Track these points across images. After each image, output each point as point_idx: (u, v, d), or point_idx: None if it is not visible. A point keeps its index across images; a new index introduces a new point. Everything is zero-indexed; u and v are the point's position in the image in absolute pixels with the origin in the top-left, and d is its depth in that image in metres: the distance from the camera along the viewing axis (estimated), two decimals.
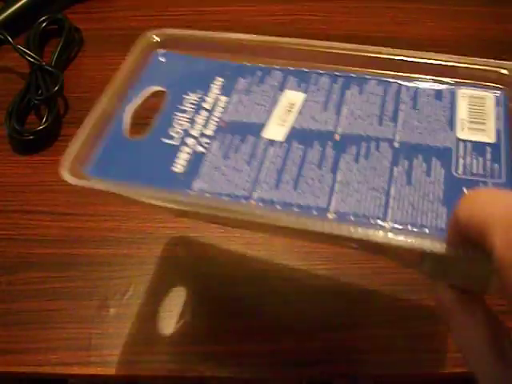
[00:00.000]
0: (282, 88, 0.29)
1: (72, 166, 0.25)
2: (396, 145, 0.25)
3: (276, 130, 0.27)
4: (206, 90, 0.29)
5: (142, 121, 0.28)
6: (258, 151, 0.26)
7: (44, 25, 0.50)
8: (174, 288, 0.36)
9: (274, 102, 0.28)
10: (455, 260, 0.21)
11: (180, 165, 0.26)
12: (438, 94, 0.27)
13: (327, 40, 0.29)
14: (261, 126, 0.27)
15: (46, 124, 0.43)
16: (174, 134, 0.27)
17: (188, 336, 0.34)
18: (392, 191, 0.24)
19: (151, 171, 0.26)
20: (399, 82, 0.28)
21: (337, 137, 0.26)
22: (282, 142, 0.26)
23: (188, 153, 0.26)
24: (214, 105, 0.28)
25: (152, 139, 0.27)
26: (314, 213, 0.23)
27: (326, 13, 0.53)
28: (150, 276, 0.36)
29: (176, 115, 0.28)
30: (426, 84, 0.28)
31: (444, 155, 0.25)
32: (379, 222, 0.23)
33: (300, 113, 0.27)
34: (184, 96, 0.29)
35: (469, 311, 0.21)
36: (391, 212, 0.23)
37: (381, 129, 0.26)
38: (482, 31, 0.51)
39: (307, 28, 0.52)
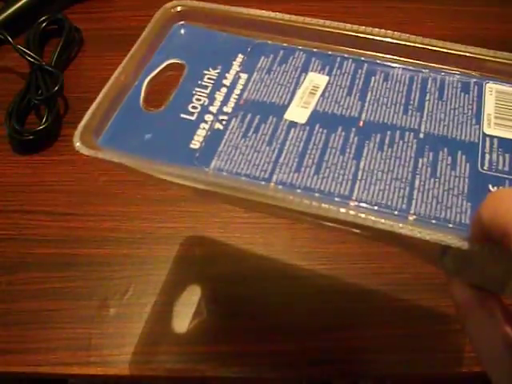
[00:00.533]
0: (305, 69, 0.28)
1: (85, 137, 0.24)
2: (421, 136, 0.25)
3: (298, 111, 0.26)
4: (226, 66, 0.28)
5: (158, 94, 0.27)
6: (279, 132, 0.25)
7: (44, 25, 0.50)
8: (174, 288, 0.36)
9: (296, 83, 0.27)
10: (476, 257, 0.20)
11: (197, 141, 0.25)
12: (465, 87, 0.27)
13: None
14: (282, 107, 0.26)
15: (45, 124, 0.43)
16: (191, 109, 0.26)
17: (188, 336, 0.34)
18: (416, 183, 0.23)
19: (167, 146, 0.25)
20: (426, 71, 0.27)
21: (361, 123, 0.26)
22: (304, 125, 0.26)
23: (206, 129, 0.26)
24: (234, 82, 0.28)
25: (169, 113, 0.26)
26: (336, 199, 0.23)
27: (326, 13, 0.53)
28: (150, 276, 0.36)
29: (195, 90, 0.27)
30: (453, 76, 0.27)
31: (470, 150, 0.24)
32: (402, 213, 0.22)
33: (323, 96, 0.27)
34: (203, 71, 0.28)
35: (487, 309, 0.21)
36: (415, 204, 0.22)
37: (406, 118, 0.26)
38: (482, 31, 0.51)
39: None
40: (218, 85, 0.27)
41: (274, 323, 0.34)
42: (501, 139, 0.25)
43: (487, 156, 0.24)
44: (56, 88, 0.44)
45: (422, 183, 0.23)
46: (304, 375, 0.33)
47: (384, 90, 0.27)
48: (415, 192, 0.23)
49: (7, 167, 0.42)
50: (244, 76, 0.28)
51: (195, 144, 0.25)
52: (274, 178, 0.24)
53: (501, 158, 0.24)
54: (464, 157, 0.24)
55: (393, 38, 0.28)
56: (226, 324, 0.34)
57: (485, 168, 0.24)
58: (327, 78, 0.27)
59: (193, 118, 0.26)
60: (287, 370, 0.33)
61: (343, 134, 0.25)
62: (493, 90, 0.27)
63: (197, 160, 0.25)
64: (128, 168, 0.24)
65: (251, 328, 0.34)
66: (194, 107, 0.26)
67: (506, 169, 0.23)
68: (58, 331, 0.34)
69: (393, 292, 0.35)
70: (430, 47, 0.27)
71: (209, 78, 0.28)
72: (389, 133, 0.25)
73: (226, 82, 0.27)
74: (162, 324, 0.34)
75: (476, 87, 0.27)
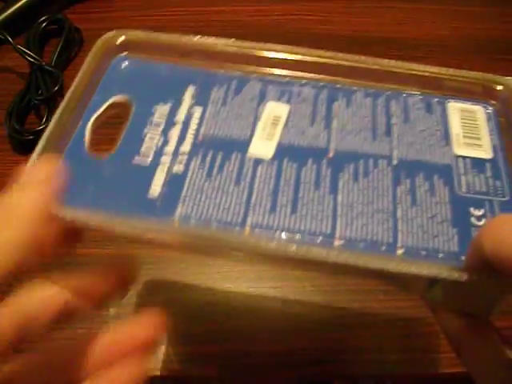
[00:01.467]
0: (262, 99, 0.26)
1: None
2: (395, 162, 0.24)
3: (262, 145, 0.24)
4: (177, 99, 0.26)
5: (105, 136, 0.24)
6: (246, 170, 0.23)
7: (44, 25, 0.50)
8: (174, 288, 0.36)
9: (255, 114, 0.26)
10: (469, 285, 0.20)
11: (156, 188, 0.23)
12: (428, 107, 0.26)
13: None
14: (245, 141, 0.24)
15: (45, 124, 0.43)
16: (145, 152, 0.24)
17: (188, 336, 0.34)
18: (399, 213, 0.22)
19: (122, 198, 0.22)
20: (387, 93, 0.26)
21: (331, 154, 0.24)
22: (271, 160, 0.24)
23: (164, 173, 0.23)
24: (189, 117, 0.25)
25: (120, 158, 0.24)
26: (320, 239, 0.21)
27: (326, 13, 0.53)
28: (150, 276, 0.36)
29: (145, 130, 0.24)
30: (415, 97, 0.26)
31: (445, 173, 0.24)
32: (390, 247, 0.21)
33: (287, 126, 0.25)
34: (153, 107, 0.25)
35: (483, 336, 0.20)
36: (401, 236, 0.21)
37: (376, 144, 0.24)
38: (482, 31, 0.51)
39: (306, 28, 0.52)
40: (170, 121, 0.25)
41: (273, 324, 0.34)
42: (473, 159, 0.24)
43: (463, 178, 0.23)
44: (56, 88, 0.44)
45: (405, 213, 0.22)
46: (304, 375, 0.34)
47: (349, 115, 0.26)
48: (399, 223, 0.22)
49: (7, 167, 0.42)
50: (198, 109, 0.25)
51: (154, 191, 0.22)
52: (249, 220, 0.22)
53: (476, 179, 0.23)
54: (441, 181, 0.23)
55: (351, 61, 0.27)
56: (227, 324, 0.34)
57: (463, 190, 0.23)
58: (288, 106, 0.26)
59: (147, 161, 0.23)
60: (287, 370, 0.33)
61: (314, 167, 0.24)
62: (456, 109, 0.26)
63: (159, 210, 0.22)
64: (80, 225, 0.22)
65: (252, 328, 0.34)
66: (147, 149, 0.24)
67: (484, 189, 0.23)
68: (58, 331, 0.34)
69: (393, 292, 0.35)
70: (388, 69, 0.27)
71: (160, 115, 0.25)
72: (361, 162, 0.24)
73: (180, 118, 0.25)
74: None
75: (439, 107, 0.26)
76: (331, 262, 0.20)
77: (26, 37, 0.49)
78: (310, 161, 0.24)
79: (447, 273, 0.19)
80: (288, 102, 0.26)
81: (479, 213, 0.22)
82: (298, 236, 0.21)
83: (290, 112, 0.26)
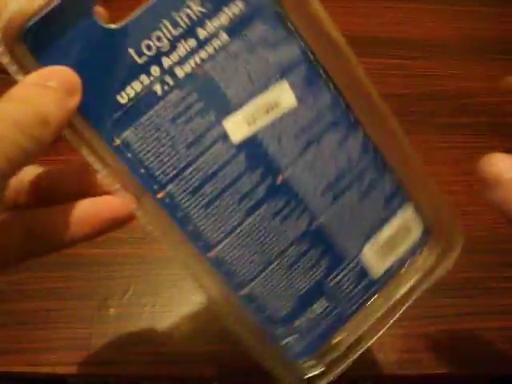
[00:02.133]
0: (286, 72, 0.22)
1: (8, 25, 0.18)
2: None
3: (239, 124, 0.22)
4: (215, 10, 0.21)
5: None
6: (206, 139, 0.21)
7: None
8: (174, 288, 0.36)
9: (266, 85, 0.22)
10: None
11: (126, 96, 0.20)
12: None
13: None
14: (230, 106, 0.22)
15: None
16: (144, 49, 0.20)
17: (188, 336, 0.34)
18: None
19: (95, 80, 0.20)
20: None
21: (279, 179, 0.23)
22: (233, 146, 0.22)
23: (143, 85, 0.20)
24: (208, 38, 0.21)
25: (122, 37, 0.20)
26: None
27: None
28: (149, 276, 0.36)
29: (166, 19, 0.20)
30: None
31: None
32: None
33: (275, 124, 0.22)
34: (187, 1, 0.21)
35: None
36: None
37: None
38: (482, 31, 0.51)
39: None
40: (191, 31, 0.21)
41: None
42: None
43: (338, 278, 0.25)
44: None
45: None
46: None
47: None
48: None
49: None
50: (223, 37, 0.21)
51: (123, 98, 0.20)
52: (168, 188, 0.21)
53: None
54: None
55: None
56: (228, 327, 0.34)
57: (331, 283, 0.25)
58: (295, 102, 0.23)
59: (140, 60, 0.20)
60: None
61: (257, 179, 0.22)
62: None
63: (113, 122, 0.20)
64: None
65: None
66: (148, 47, 0.20)
67: None
68: (58, 331, 0.34)
69: None
70: None
71: (186, 16, 0.21)
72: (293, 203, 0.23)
73: (201, 34, 0.21)
74: (161, 324, 0.34)
75: None
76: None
77: None
78: (259, 171, 0.23)
79: None
80: (301, 97, 0.23)
81: None
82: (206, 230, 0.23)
83: (294, 109, 0.23)
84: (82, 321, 0.35)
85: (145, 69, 0.20)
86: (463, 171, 0.42)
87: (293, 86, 0.23)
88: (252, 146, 0.22)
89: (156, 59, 0.20)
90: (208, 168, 0.22)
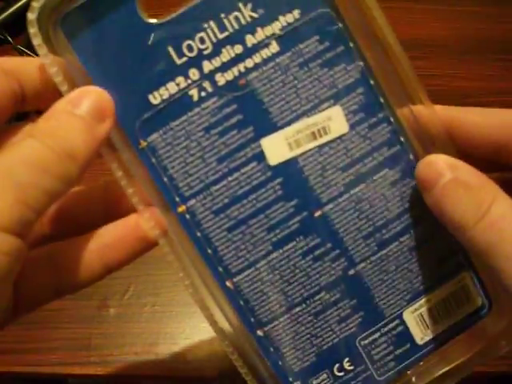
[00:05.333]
0: (341, 96, 0.20)
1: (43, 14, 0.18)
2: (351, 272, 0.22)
3: (279, 146, 0.20)
4: (273, 14, 0.19)
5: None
6: (241, 154, 0.20)
7: None
8: (174, 288, 0.36)
9: (316, 107, 0.20)
10: None
11: (159, 96, 0.19)
12: None
13: None
14: (271, 127, 0.20)
15: None
16: (184, 49, 0.19)
17: (188, 336, 0.34)
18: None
19: (130, 76, 0.19)
20: None
21: (318, 213, 0.21)
22: (269, 167, 0.20)
23: (179, 87, 0.19)
24: (257, 47, 0.19)
25: (160, 35, 0.19)
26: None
27: None
28: (149, 276, 0.36)
29: (206, 25, 0.19)
30: None
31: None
32: None
33: (322, 150, 0.20)
34: (237, 4, 0.19)
35: None
36: None
37: (362, 244, 0.22)
38: (482, 31, 0.51)
39: None
40: (238, 36, 0.19)
41: None
42: None
43: (372, 337, 0.22)
44: None
45: None
46: None
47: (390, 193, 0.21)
48: None
49: None
50: (274, 48, 0.20)
51: (156, 98, 0.19)
52: (191, 203, 0.20)
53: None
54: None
55: None
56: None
57: (362, 343, 0.22)
58: (348, 130, 0.20)
59: (178, 61, 0.19)
60: None
61: (291, 210, 0.21)
62: None
63: (141, 122, 0.19)
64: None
65: None
66: (189, 48, 0.19)
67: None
68: (58, 331, 0.34)
69: None
70: None
71: (235, 19, 0.19)
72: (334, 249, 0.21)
73: (250, 41, 0.19)
74: (161, 324, 0.34)
75: None
76: None
77: (25, 37, 0.49)
78: (293, 202, 0.21)
79: None
80: (354, 125, 0.21)
81: None
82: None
83: (342, 138, 0.21)
84: (82, 321, 0.35)
85: (183, 70, 0.19)
86: None
87: (347, 112, 0.20)
88: (291, 172, 0.20)
89: (196, 62, 0.19)
90: (238, 188, 0.20)
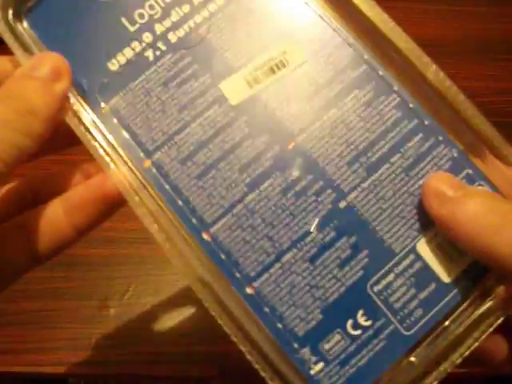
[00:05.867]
0: (291, 32, 0.21)
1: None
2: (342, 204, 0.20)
3: (238, 86, 0.20)
4: None
5: None
6: (201, 101, 0.20)
7: None
8: (174, 288, 0.36)
9: (266, 46, 0.21)
10: None
11: (117, 62, 0.21)
12: None
13: None
14: (228, 69, 0.20)
15: None
16: (136, 17, 0.21)
17: (188, 336, 0.34)
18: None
19: (86, 49, 0.21)
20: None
21: (291, 144, 0.20)
22: (231, 107, 0.20)
23: (134, 51, 0.21)
24: (202, 4, 0.21)
25: (112, 7, 0.21)
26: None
27: None
28: (149, 276, 0.36)
29: None
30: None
31: (382, 260, 0.19)
32: None
33: (281, 81, 0.20)
34: None
35: None
36: None
37: (347, 174, 0.20)
38: (482, 31, 0.51)
39: None
40: None
41: None
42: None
43: (386, 281, 0.19)
44: None
45: None
46: None
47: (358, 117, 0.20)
48: None
49: None
50: (220, 1, 0.21)
51: (114, 65, 0.21)
52: (156, 156, 0.20)
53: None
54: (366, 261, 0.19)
55: None
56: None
57: (375, 289, 0.19)
58: (305, 58, 0.20)
59: (132, 28, 0.21)
60: None
61: (262, 146, 0.20)
62: None
63: (101, 88, 0.20)
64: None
65: None
66: (140, 15, 0.21)
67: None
68: (59, 331, 0.34)
69: None
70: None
71: None
72: (321, 183, 0.19)
73: (196, 0, 0.21)
74: (161, 324, 0.34)
75: None
76: None
77: None
78: (265, 136, 0.20)
79: None
80: (311, 54, 0.21)
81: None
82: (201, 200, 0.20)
83: (302, 65, 0.20)
84: (82, 321, 0.35)
85: (137, 36, 0.21)
86: None
87: (302, 43, 0.20)
88: (255, 108, 0.20)
89: (148, 26, 0.21)
90: (202, 133, 0.20)
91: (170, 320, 0.35)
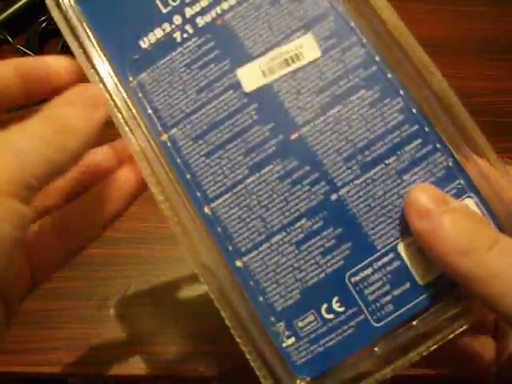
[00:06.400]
0: (309, 26, 0.22)
1: None
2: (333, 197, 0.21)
3: (253, 74, 0.21)
4: None
5: None
6: (218, 84, 0.21)
7: (44, 25, 0.50)
8: (173, 288, 0.36)
9: (286, 37, 0.22)
10: None
11: (148, 41, 0.22)
12: None
13: None
14: (246, 57, 0.22)
15: None
16: (169, 1, 0.22)
17: (188, 336, 0.34)
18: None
19: (121, 25, 0.22)
20: None
21: (294, 135, 0.21)
22: (244, 94, 0.21)
23: (164, 32, 0.22)
24: None
25: None
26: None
27: None
28: (150, 276, 0.36)
29: None
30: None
31: (363, 255, 0.21)
32: None
33: (294, 75, 0.21)
34: None
35: None
36: None
37: (342, 168, 0.21)
38: (482, 31, 0.51)
39: None
40: None
41: None
42: None
43: (364, 273, 0.20)
44: None
45: None
46: None
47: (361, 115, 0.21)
48: None
49: None
50: None
51: (145, 43, 0.22)
52: (172, 131, 0.21)
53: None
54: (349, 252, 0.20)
55: None
56: (226, 324, 0.34)
57: (352, 280, 0.20)
58: (320, 55, 0.21)
59: (164, 9, 0.22)
60: None
61: (267, 134, 0.21)
62: None
63: (131, 63, 0.22)
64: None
65: None
66: None
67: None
68: (59, 331, 0.34)
69: None
70: None
71: None
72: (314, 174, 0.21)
73: None
74: (161, 324, 0.34)
75: None
76: None
77: (25, 37, 0.49)
78: (270, 125, 0.21)
79: None
80: (325, 50, 0.21)
81: None
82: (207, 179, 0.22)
83: (315, 61, 0.21)
84: (81, 321, 0.35)
85: (168, 17, 0.22)
86: None
87: (318, 39, 0.21)
88: (266, 97, 0.21)
89: (179, 9, 0.22)
90: (215, 115, 0.21)
91: (170, 320, 0.35)
